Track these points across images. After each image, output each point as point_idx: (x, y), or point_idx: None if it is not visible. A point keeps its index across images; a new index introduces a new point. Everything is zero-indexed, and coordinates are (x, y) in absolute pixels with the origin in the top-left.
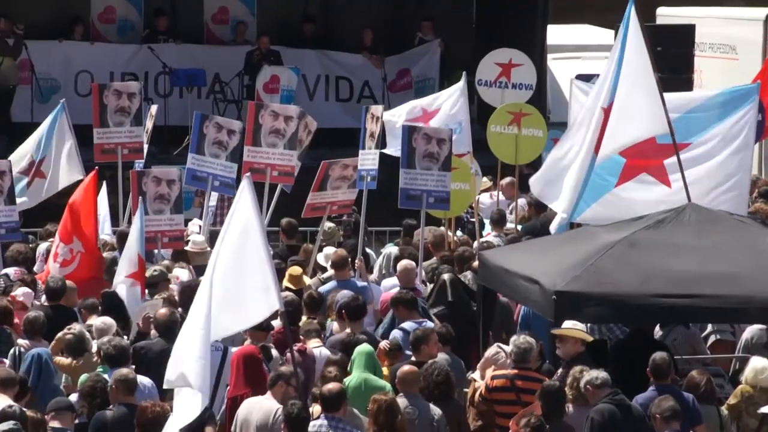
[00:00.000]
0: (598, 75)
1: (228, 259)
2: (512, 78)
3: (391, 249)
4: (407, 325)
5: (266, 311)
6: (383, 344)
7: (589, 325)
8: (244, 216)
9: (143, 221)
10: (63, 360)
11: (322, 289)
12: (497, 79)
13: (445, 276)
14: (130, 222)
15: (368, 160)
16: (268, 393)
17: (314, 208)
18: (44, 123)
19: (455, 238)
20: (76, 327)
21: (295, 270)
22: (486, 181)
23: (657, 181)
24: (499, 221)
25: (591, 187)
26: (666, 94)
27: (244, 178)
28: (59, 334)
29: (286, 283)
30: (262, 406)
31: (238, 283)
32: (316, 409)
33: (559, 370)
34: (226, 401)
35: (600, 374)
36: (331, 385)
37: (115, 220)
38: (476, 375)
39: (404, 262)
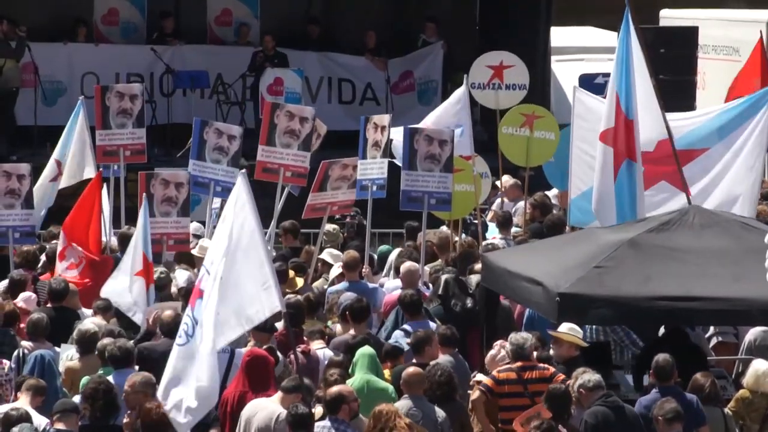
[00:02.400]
0: (601, 74)
1: (227, 259)
2: (505, 79)
3: (389, 249)
4: (410, 326)
5: (267, 312)
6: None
7: (594, 327)
8: (242, 215)
9: (147, 221)
10: (72, 364)
11: (332, 289)
12: (490, 81)
13: (444, 276)
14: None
15: (374, 169)
16: (278, 396)
17: (314, 209)
18: (68, 123)
19: (460, 240)
20: (90, 325)
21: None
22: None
23: (676, 189)
24: (505, 224)
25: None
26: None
27: (239, 176)
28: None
29: None
30: (265, 408)
31: (238, 284)
32: (318, 410)
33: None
34: (220, 400)
35: (593, 377)
36: (332, 389)
37: (116, 222)
38: (481, 377)
39: (407, 264)
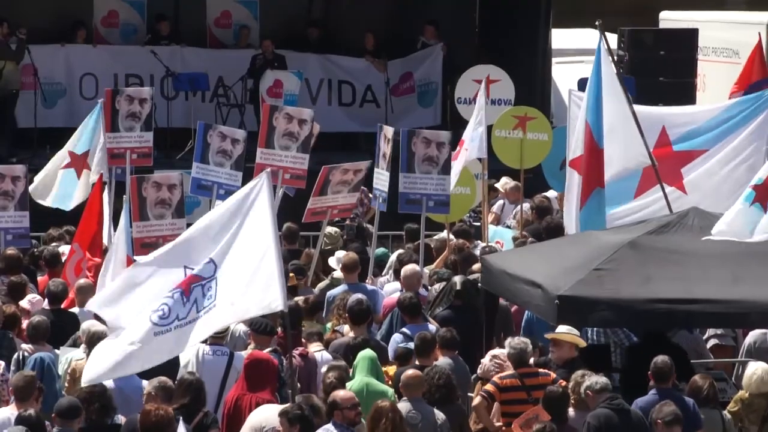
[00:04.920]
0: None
1: (237, 251)
2: (491, 94)
3: (385, 253)
4: (408, 329)
5: (267, 307)
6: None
7: (595, 328)
8: (260, 210)
9: (129, 223)
10: (80, 364)
11: (333, 292)
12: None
13: (456, 278)
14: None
15: (381, 180)
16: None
17: (315, 213)
18: (84, 122)
19: (456, 243)
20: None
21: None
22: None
23: (674, 189)
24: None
25: (610, 199)
26: (683, 107)
27: (264, 173)
28: None
29: None
30: (264, 412)
31: (245, 276)
32: None
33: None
34: (223, 402)
35: (600, 379)
36: (331, 395)
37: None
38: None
39: (409, 267)
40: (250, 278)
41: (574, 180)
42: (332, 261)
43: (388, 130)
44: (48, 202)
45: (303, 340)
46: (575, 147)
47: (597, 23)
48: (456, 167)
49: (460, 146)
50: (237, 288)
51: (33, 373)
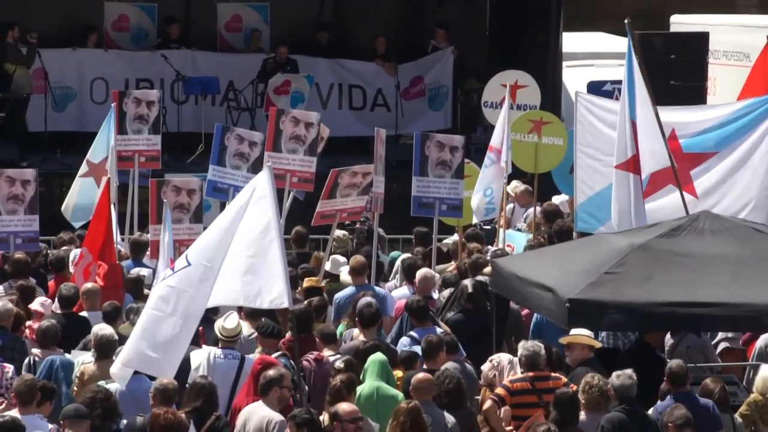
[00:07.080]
0: (609, 81)
1: (244, 241)
2: (517, 99)
3: (400, 255)
4: (416, 332)
5: (269, 300)
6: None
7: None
8: (267, 206)
9: (170, 228)
10: (87, 368)
11: (341, 294)
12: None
13: (468, 281)
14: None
15: (379, 182)
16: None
17: (324, 216)
18: (101, 129)
19: (468, 246)
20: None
21: (312, 281)
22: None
23: (684, 192)
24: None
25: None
26: (693, 108)
27: (264, 169)
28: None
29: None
30: (257, 413)
31: (248, 266)
32: (324, 417)
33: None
34: (231, 409)
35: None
36: (335, 406)
37: (128, 228)
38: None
39: (423, 271)
40: (253, 268)
41: (626, 181)
42: (327, 265)
43: (381, 132)
44: (68, 216)
45: (317, 341)
46: (624, 148)
47: (626, 21)
48: (498, 181)
49: (494, 154)
50: (247, 275)
51: (32, 377)
